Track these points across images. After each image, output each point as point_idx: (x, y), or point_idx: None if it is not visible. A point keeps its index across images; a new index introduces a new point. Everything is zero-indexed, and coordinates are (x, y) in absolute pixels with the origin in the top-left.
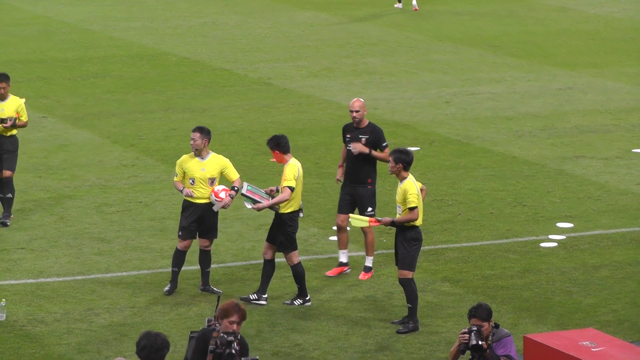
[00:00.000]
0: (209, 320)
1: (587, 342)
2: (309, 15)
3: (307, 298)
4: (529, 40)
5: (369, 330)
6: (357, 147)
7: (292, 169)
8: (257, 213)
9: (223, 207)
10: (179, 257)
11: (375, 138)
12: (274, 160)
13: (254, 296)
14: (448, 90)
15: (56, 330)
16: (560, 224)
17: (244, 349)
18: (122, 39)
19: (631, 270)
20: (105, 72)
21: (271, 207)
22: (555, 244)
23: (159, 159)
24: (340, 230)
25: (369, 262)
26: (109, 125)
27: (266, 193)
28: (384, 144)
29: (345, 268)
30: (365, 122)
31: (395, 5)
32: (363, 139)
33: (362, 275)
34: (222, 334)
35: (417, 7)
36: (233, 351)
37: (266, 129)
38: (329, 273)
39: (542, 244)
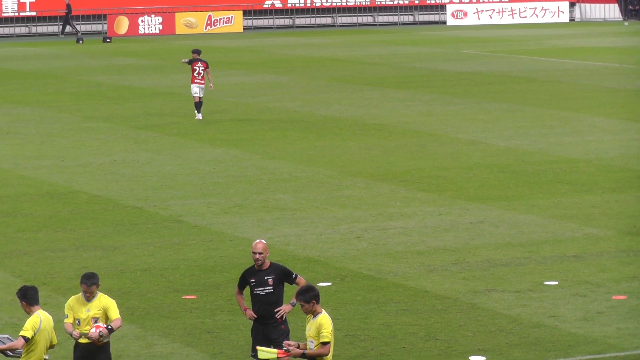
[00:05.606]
0: None
1: None
2: (219, 152)
3: None
4: (440, 175)
5: None
6: (283, 311)
7: (33, 320)
8: (170, 350)
9: (88, 338)
10: None
11: (282, 275)
12: (187, 297)
13: None
14: (359, 226)
15: None
16: (472, 358)
17: None
18: (32, 177)
19: None
20: (16, 211)
21: (3, 352)
22: None
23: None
24: None
25: None
26: (20, 264)
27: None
28: (294, 276)
29: None
30: (268, 264)
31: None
32: (270, 280)
33: None
34: None
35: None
36: None
37: (178, 266)
38: None
39: None
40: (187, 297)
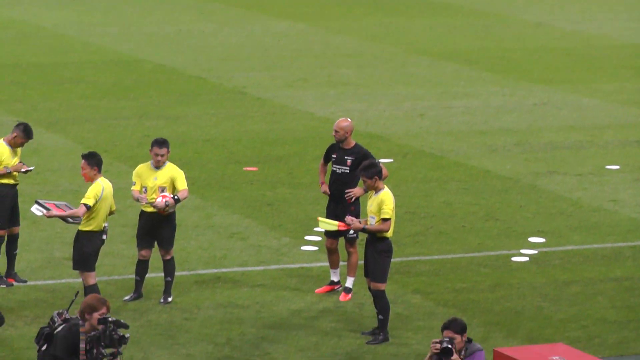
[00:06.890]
0: (59, 314)
1: (557, 357)
2: (285, 25)
3: None
4: (505, 56)
5: (339, 341)
6: (354, 193)
7: (95, 188)
8: (229, 221)
9: (154, 206)
10: (139, 266)
11: (363, 158)
12: (248, 169)
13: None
14: (423, 104)
15: (26, 334)
16: (532, 239)
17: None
18: (97, 45)
19: (602, 286)
20: (80, 78)
21: (64, 218)
22: (526, 259)
23: (132, 165)
24: (331, 252)
25: (350, 282)
26: (83, 131)
27: (66, 206)
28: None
29: (337, 286)
30: (352, 143)
31: None
32: (349, 160)
33: (343, 297)
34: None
35: None
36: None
37: (240, 137)
38: (319, 290)
39: (514, 259)
40: (248, 168)
